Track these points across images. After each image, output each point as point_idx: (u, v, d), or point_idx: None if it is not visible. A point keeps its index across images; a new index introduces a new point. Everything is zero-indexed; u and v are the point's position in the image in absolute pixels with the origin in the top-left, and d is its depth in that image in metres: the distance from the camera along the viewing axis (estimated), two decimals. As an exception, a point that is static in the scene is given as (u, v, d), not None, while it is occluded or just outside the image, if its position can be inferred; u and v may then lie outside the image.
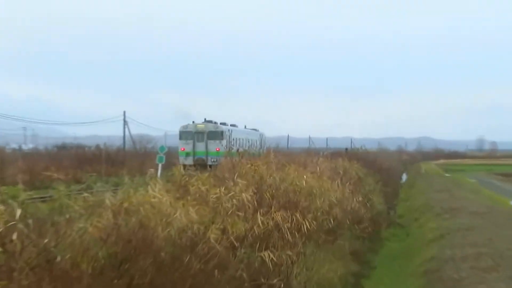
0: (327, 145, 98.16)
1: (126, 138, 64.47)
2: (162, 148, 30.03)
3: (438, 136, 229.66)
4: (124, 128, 64.31)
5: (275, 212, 11.55)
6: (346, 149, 58.05)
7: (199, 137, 41.11)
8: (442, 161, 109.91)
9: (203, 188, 11.15)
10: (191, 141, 40.93)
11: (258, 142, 48.96)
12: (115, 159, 47.64)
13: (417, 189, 43.20)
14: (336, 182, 18.92)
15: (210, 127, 41.71)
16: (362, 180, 27.87)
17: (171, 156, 39.66)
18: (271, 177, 13.64)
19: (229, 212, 10.58)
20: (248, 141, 46.09)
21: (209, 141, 40.62)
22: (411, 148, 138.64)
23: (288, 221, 11.61)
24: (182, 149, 41.10)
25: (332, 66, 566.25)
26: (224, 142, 39.78)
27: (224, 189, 11.25)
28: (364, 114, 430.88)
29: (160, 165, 25.93)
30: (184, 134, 41.63)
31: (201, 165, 34.31)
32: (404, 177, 64.99)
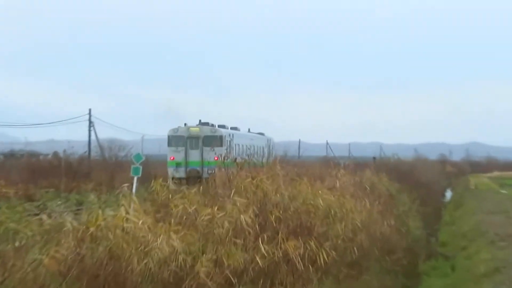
0: (349, 153, 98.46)
1: (92, 144, 64.76)
2: (138, 156, 29.92)
3: (491, 142, 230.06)
4: (89, 130, 64.57)
5: (282, 239, 11.54)
6: (374, 158, 58.27)
7: (192, 143, 41.07)
8: (496, 173, 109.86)
9: (190, 209, 11.15)
10: (182, 148, 40.89)
11: (265, 149, 49.08)
12: (78, 170, 47.75)
13: (464, 210, 43.15)
14: (362, 201, 18.96)
15: (206, 130, 41.61)
16: (395, 198, 27.94)
17: (150, 166, 39.75)
18: (278, 194, 13.65)
19: (224, 239, 10.58)
20: (253, 148, 46.15)
21: (205, 148, 40.58)
22: (457, 157, 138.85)
23: (300, 251, 11.61)
24: (172, 158, 41.03)
25: (356, 55, 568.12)
26: (223, 149, 39.71)
27: (218, 209, 11.25)
28: (396, 114, 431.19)
29: (135, 178, 25.93)
30: (174, 140, 41.54)
31: (195, 178, 34.32)
32: (449, 194, 64.97)
